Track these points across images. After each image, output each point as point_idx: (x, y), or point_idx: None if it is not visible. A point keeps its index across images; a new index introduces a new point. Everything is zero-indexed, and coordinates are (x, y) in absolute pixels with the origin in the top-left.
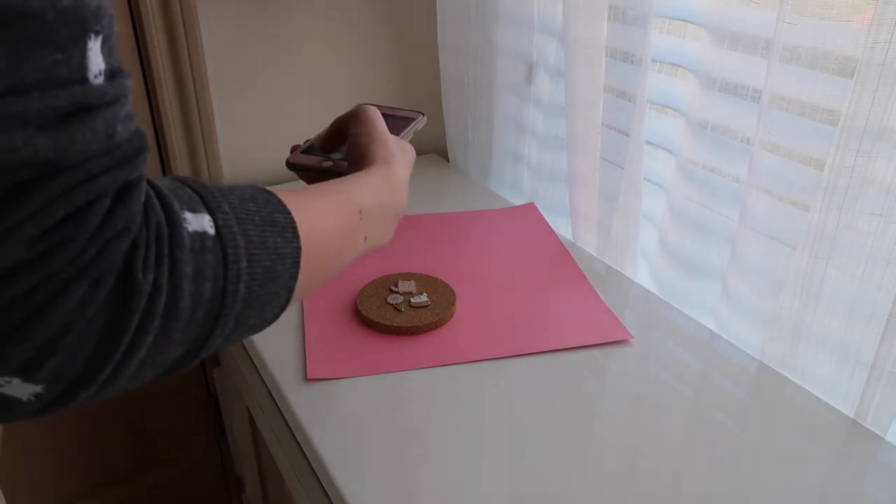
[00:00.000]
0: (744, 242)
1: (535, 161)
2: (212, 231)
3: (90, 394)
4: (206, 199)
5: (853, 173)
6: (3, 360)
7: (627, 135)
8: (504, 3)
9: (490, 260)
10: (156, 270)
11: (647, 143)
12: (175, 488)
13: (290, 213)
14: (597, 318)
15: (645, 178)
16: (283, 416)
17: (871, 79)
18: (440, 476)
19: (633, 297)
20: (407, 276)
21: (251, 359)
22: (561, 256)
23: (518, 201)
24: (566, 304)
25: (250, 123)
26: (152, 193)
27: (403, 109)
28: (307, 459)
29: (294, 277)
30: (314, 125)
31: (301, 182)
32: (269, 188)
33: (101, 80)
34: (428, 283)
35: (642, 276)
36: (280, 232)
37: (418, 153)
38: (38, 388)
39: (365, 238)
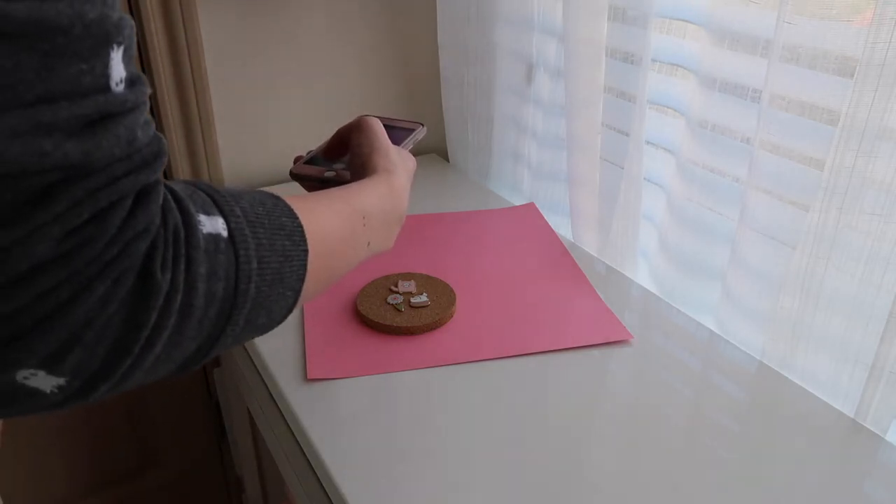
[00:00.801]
0: (744, 242)
1: (535, 161)
2: (225, 233)
3: (109, 387)
4: (219, 203)
5: (853, 173)
6: (29, 353)
7: (627, 135)
8: (504, 3)
9: (490, 260)
10: (173, 270)
11: (647, 143)
12: (175, 488)
13: (297, 218)
14: (597, 318)
15: (645, 178)
16: (283, 416)
17: (871, 79)
18: (440, 476)
19: (633, 296)
20: (407, 276)
21: (251, 359)
22: (561, 256)
23: (518, 201)
24: (566, 304)
25: (250, 123)
26: (169, 196)
27: (404, 120)
28: (307, 459)
29: (301, 279)
30: (314, 126)
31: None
32: (271, 189)
33: (122, 87)
34: (428, 283)
35: (642, 275)
36: (288, 235)
37: (418, 153)
38: (61, 381)
39: (368, 244)
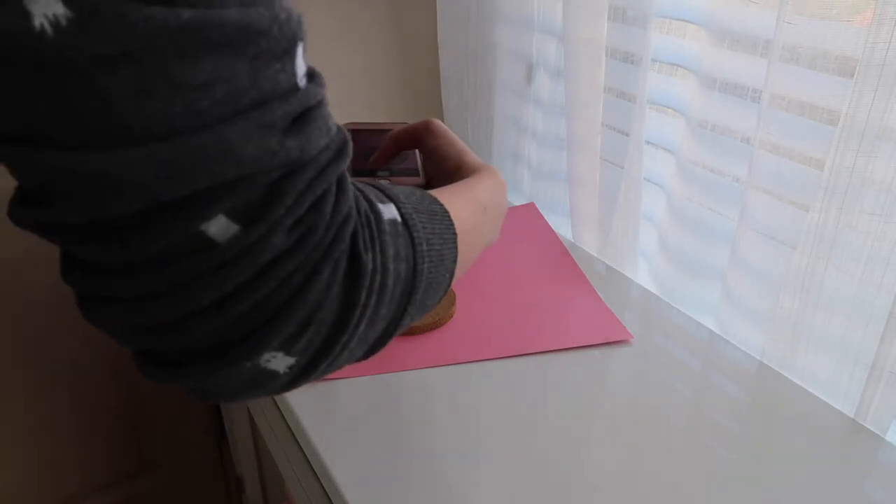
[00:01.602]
0: (744, 242)
1: (535, 161)
2: (399, 218)
3: (326, 365)
4: (384, 191)
5: (853, 173)
6: (274, 336)
7: (627, 135)
8: (504, 3)
9: (490, 260)
10: (372, 251)
11: (647, 143)
12: (175, 488)
13: (442, 204)
14: (597, 317)
15: (645, 178)
16: (283, 416)
17: (871, 79)
18: (440, 476)
19: (633, 296)
20: None
21: None
22: (561, 256)
23: (518, 201)
24: (566, 304)
25: None
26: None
27: (386, 123)
28: (307, 459)
29: (455, 261)
30: None
31: None
32: None
33: (304, 81)
34: None
35: (642, 275)
36: (440, 220)
37: None
38: (292, 361)
39: (486, 235)
